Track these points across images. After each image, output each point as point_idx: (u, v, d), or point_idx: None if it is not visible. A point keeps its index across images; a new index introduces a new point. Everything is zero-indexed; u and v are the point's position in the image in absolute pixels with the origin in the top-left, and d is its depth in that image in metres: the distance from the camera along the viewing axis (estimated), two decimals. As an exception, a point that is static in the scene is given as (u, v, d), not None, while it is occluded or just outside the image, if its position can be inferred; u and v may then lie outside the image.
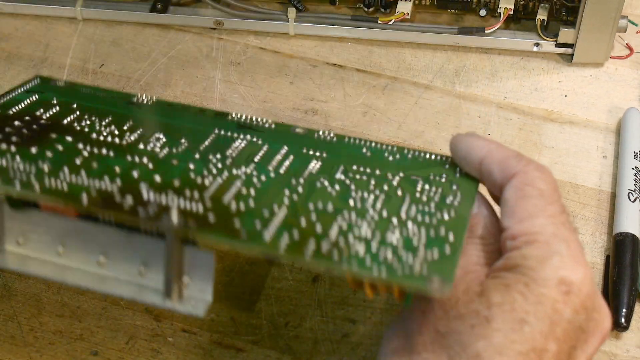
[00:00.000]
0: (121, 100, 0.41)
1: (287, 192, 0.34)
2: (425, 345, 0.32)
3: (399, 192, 0.35)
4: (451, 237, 0.32)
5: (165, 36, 0.58)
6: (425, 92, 0.54)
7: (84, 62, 0.56)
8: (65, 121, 0.38)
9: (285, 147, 0.37)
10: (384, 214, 0.33)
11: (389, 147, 0.38)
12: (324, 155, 0.37)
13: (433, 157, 0.38)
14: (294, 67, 0.56)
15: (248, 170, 0.35)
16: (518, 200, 0.34)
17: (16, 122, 0.37)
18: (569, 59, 0.54)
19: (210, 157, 0.36)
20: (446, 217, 0.33)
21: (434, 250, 0.31)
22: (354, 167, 0.36)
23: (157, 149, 0.36)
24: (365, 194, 0.34)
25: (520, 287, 0.31)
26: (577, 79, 0.53)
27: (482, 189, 0.36)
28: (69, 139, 0.36)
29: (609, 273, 0.43)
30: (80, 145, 0.36)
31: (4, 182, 0.33)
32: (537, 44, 0.54)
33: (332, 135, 0.38)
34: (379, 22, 0.55)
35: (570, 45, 0.53)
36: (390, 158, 0.37)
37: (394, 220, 0.33)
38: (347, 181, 0.35)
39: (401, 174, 0.36)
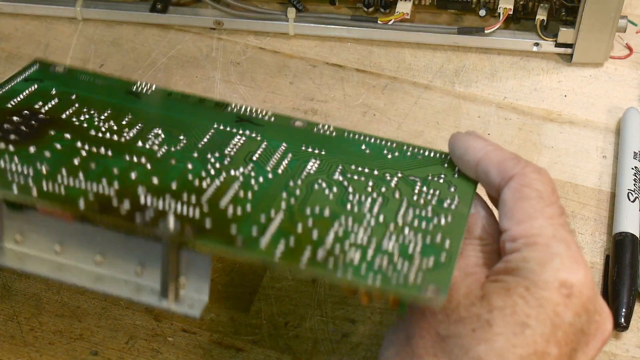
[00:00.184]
0: (121, 88, 0.41)
1: (284, 195, 0.34)
2: (426, 349, 0.32)
3: (397, 195, 0.34)
4: (447, 244, 0.32)
5: (165, 36, 0.58)
6: (425, 92, 0.54)
7: (84, 62, 0.56)
8: (64, 115, 0.38)
9: (284, 144, 0.37)
10: (381, 218, 0.33)
11: (388, 143, 0.38)
12: (323, 152, 0.37)
13: (432, 154, 0.37)
14: (294, 67, 0.56)
15: (246, 171, 0.35)
16: (516, 201, 0.34)
17: (15, 118, 0.37)
18: (568, 59, 0.54)
19: (209, 156, 0.36)
20: (443, 222, 0.33)
21: (429, 259, 0.31)
22: (352, 167, 0.36)
23: (156, 147, 0.36)
24: (363, 197, 0.34)
25: (521, 290, 0.31)
26: (577, 79, 0.53)
27: (480, 189, 0.36)
28: (67, 136, 0.36)
29: (609, 273, 0.43)
30: (79, 144, 0.36)
31: (2, 185, 0.33)
32: (536, 44, 0.54)
33: (331, 129, 0.38)
34: (379, 22, 0.55)
35: (570, 45, 0.53)
36: (389, 156, 0.37)
37: (391, 225, 0.33)
38: (345, 182, 0.35)
39: (399, 174, 0.36)
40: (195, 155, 0.36)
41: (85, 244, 0.33)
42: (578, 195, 0.48)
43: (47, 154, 0.35)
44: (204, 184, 0.34)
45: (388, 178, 0.35)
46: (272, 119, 0.39)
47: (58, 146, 0.35)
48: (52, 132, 0.36)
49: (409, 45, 0.56)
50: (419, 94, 0.53)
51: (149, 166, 0.35)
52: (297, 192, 0.34)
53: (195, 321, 0.44)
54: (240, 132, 0.38)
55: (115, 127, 0.37)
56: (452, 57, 0.55)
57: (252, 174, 0.35)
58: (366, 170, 0.36)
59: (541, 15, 0.53)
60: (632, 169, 0.47)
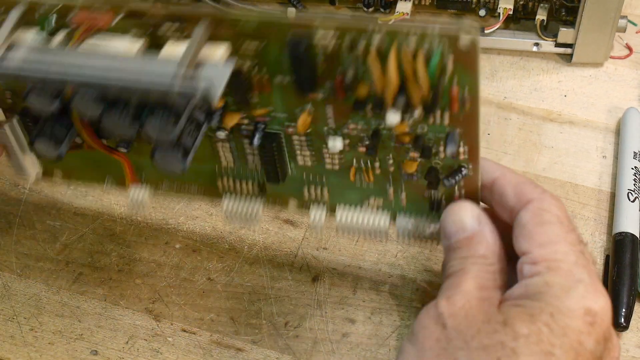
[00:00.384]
0: None
1: None
2: None
3: None
4: None
5: (165, 36, 0.58)
6: (424, 92, 0.54)
7: (83, 62, 0.56)
8: None
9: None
10: None
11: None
12: None
13: None
14: (294, 67, 0.56)
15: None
16: (537, 225, 0.33)
17: None
18: (568, 59, 0.54)
19: None
20: None
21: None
22: None
23: None
24: None
25: (545, 317, 0.31)
26: (577, 79, 0.53)
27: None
28: None
29: (609, 273, 0.43)
30: None
31: None
32: (536, 44, 0.54)
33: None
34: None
35: (570, 45, 0.53)
36: None
37: None
38: None
39: None
40: None
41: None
42: (578, 195, 0.48)
43: None
44: None
45: None
46: None
47: None
48: None
49: (409, 45, 0.56)
50: (419, 94, 0.53)
51: None
52: None
53: (195, 321, 0.44)
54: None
55: None
56: (452, 57, 0.55)
57: None
58: None
59: (541, 15, 0.53)
60: (632, 169, 0.47)
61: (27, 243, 0.47)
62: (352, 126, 0.38)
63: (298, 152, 0.40)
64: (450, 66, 0.33)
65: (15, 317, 0.44)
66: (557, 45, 0.54)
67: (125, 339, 0.43)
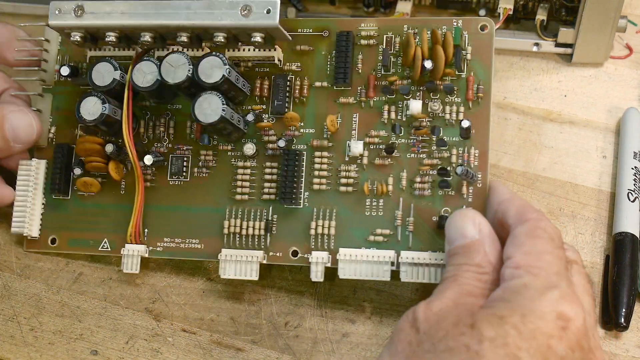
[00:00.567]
0: None
1: None
2: None
3: None
4: None
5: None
6: (425, 92, 0.54)
7: (83, 62, 0.56)
8: None
9: None
10: None
11: None
12: None
13: None
14: (294, 67, 0.56)
15: None
16: (528, 237, 0.34)
17: None
18: (568, 59, 0.54)
19: None
20: None
21: None
22: None
23: None
24: None
25: (515, 319, 0.31)
26: (577, 79, 0.53)
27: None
28: None
29: (609, 273, 0.43)
30: None
31: None
32: (536, 44, 0.54)
33: None
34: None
35: (570, 45, 0.53)
36: None
37: None
38: None
39: None
40: None
41: None
42: (578, 195, 0.48)
43: None
44: None
45: None
46: None
47: None
48: None
49: (409, 45, 0.56)
50: (419, 94, 0.53)
51: None
52: None
53: (196, 321, 0.44)
54: None
55: None
56: (452, 57, 0.55)
57: None
58: None
59: (541, 15, 0.53)
60: (632, 169, 0.47)
61: (27, 243, 0.47)
62: (373, 133, 0.43)
63: (317, 172, 0.43)
64: (468, 47, 0.44)
65: (15, 317, 0.44)
66: (557, 45, 0.54)
67: (125, 339, 0.43)
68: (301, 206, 0.44)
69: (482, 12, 0.54)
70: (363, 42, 0.45)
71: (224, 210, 0.44)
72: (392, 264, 0.41)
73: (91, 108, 0.43)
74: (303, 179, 0.44)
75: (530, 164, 0.49)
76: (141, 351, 0.43)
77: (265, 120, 0.45)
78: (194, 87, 0.43)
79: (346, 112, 0.44)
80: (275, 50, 0.45)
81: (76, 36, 0.45)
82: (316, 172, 0.44)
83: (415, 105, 0.42)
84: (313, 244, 0.43)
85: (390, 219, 0.42)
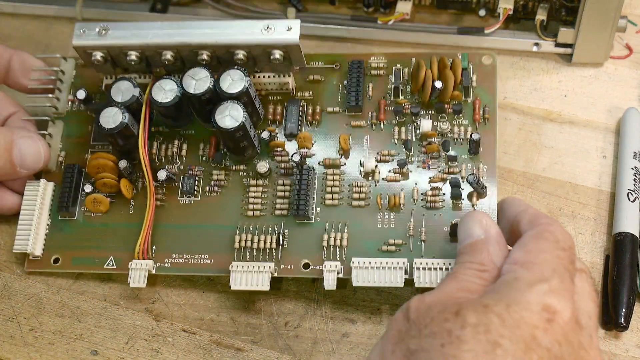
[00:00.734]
0: None
1: None
2: None
3: None
4: None
5: (165, 36, 0.58)
6: (424, 92, 0.54)
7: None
8: None
9: None
10: None
11: None
12: None
13: None
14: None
15: None
16: (533, 238, 0.35)
17: None
18: (568, 59, 0.54)
19: None
20: None
21: None
22: None
23: None
24: None
25: (499, 308, 0.31)
26: (577, 79, 0.53)
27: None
28: None
29: (609, 273, 0.43)
30: None
31: None
32: (536, 44, 0.54)
33: None
34: (379, 22, 0.55)
35: (570, 45, 0.53)
36: None
37: None
38: None
39: None
40: None
41: None
42: (578, 195, 0.48)
43: None
44: None
45: None
46: None
47: None
48: None
49: (409, 45, 0.56)
50: (419, 94, 0.53)
51: None
52: None
53: (195, 321, 0.44)
54: None
55: None
56: (452, 57, 0.55)
57: None
58: None
59: (541, 15, 0.53)
60: (632, 169, 0.47)
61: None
62: (385, 152, 0.45)
63: (329, 188, 0.45)
64: (474, 76, 0.47)
65: (15, 317, 0.44)
66: (557, 45, 0.54)
67: (125, 339, 0.43)
68: (313, 221, 0.44)
69: (482, 12, 0.55)
70: (373, 72, 0.48)
71: (235, 226, 0.44)
72: (406, 271, 0.42)
73: (111, 117, 0.44)
74: (315, 194, 0.45)
75: (530, 164, 0.49)
76: (141, 351, 0.43)
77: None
78: (213, 101, 0.44)
79: (357, 135, 0.46)
80: (290, 76, 0.47)
81: (97, 55, 0.46)
82: (328, 189, 0.45)
83: (425, 124, 0.45)
84: (325, 255, 0.43)
85: (403, 230, 0.43)
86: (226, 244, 0.44)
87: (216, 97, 0.44)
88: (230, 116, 0.43)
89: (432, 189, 0.44)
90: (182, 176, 0.46)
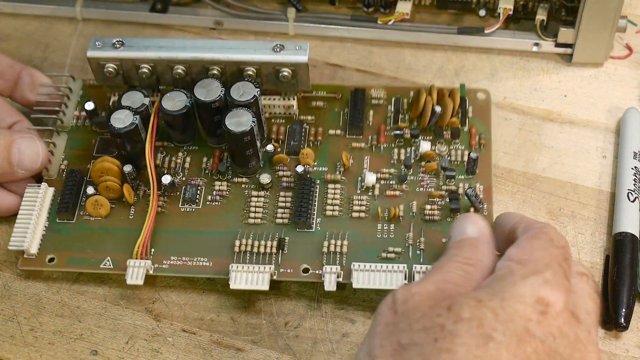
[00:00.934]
0: None
1: None
2: (385, 358, 0.31)
3: None
4: None
5: (165, 36, 0.58)
6: (424, 92, 0.54)
7: (83, 62, 0.56)
8: None
9: None
10: None
11: None
12: None
13: None
14: (294, 67, 0.56)
15: None
16: (527, 239, 0.35)
17: None
18: (568, 59, 0.54)
19: None
20: None
21: None
22: None
23: None
24: None
25: (494, 303, 0.31)
26: (577, 79, 0.53)
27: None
28: None
29: (609, 273, 0.43)
30: None
31: None
32: (536, 44, 0.54)
33: None
34: (379, 22, 0.55)
35: (570, 45, 0.53)
36: None
37: None
38: None
39: None
40: None
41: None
42: (578, 195, 0.48)
43: None
44: None
45: None
46: None
47: None
48: None
49: (409, 45, 0.56)
50: (419, 94, 0.53)
51: None
52: None
53: (195, 321, 0.44)
54: None
55: None
56: (452, 57, 0.55)
57: None
58: None
59: (541, 15, 0.53)
60: (632, 169, 0.47)
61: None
62: (385, 170, 0.47)
63: (330, 200, 0.46)
64: (469, 108, 0.49)
65: (15, 317, 0.44)
66: (557, 45, 0.54)
67: (125, 339, 0.43)
68: (313, 230, 0.45)
69: (482, 12, 0.55)
70: (374, 102, 0.50)
71: (236, 232, 0.45)
72: (406, 276, 0.42)
73: (122, 118, 0.45)
74: (316, 205, 0.46)
75: (530, 164, 0.49)
76: (141, 351, 0.43)
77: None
78: (222, 112, 0.45)
79: (358, 155, 0.48)
80: (294, 99, 0.49)
81: (110, 67, 0.47)
82: (329, 201, 0.46)
83: (425, 145, 0.47)
84: (325, 260, 0.44)
85: (402, 240, 0.44)
86: (226, 248, 0.44)
87: (225, 107, 0.45)
88: (239, 121, 0.44)
89: (431, 203, 0.45)
90: (183, 187, 0.47)
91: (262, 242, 0.44)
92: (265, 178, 0.46)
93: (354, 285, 0.42)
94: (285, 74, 0.47)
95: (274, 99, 0.49)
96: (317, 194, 0.46)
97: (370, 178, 0.46)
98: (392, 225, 0.45)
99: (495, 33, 0.54)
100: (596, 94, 0.52)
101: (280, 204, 0.46)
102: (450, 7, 0.56)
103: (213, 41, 0.48)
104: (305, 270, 0.43)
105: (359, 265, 0.42)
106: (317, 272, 0.43)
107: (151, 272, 0.44)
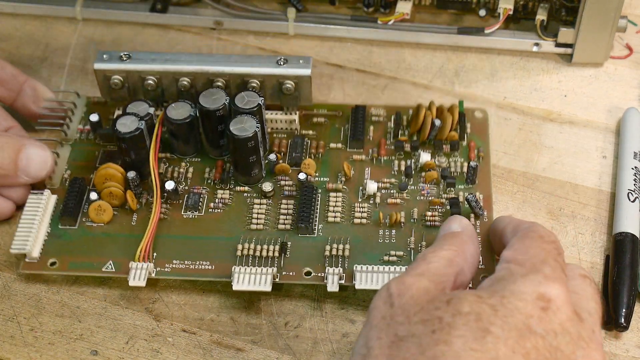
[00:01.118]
0: None
1: None
2: (382, 349, 0.31)
3: None
4: None
5: (165, 36, 0.58)
6: (424, 92, 0.54)
7: (83, 62, 0.56)
8: None
9: None
10: None
11: None
12: None
13: None
14: (294, 67, 0.56)
15: None
16: (518, 239, 0.36)
17: None
18: (568, 59, 0.54)
19: None
20: None
21: None
22: None
23: None
24: None
25: (494, 300, 0.31)
26: (577, 79, 0.53)
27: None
28: None
29: (609, 273, 0.43)
30: None
31: None
32: (536, 44, 0.54)
33: None
34: (379, 22, 0.55)
35: (570, 45, 0.53)
36: None
37: None
38: None
39: None
40: None
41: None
42: (578, 195, 0.48)
43: None
44: None
45: None
46: None
47: None
48: None
49: (409, 45, 0.56)
50: (419, 94, 0.53)
51: None
52: None
53: (195, 321, 0.44)
54: None
55: None
56: (452, 57, 0.55)
57: None
58: None
59: (541, 15, 0.53)
60: (632, 169, 0.47)
61: (27, 243, 0.47)
62: (385, 180, 0.47)
63: (332, 207, 0.46)
64: (468, 124, 0.49)
65: (15, 317, 0.44)
66: (557, 45, 0.54)
67: (125, 339, 0.43)
68: (315, 235, 0.45)
69: (482, 12, 0.55)
70: (374, 118, 0.50)
71: (238, 237, 0.45)
72: None
73: (128, 123, 0.45)
74: (318, 212, 0.46)
75: (530, 164, 0.49)
76: (141, 351, 0.43)
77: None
78: (226, 121, 0.46)
79: (359, 167, 0.48)
80: (296, 114, 0.49)
81: (116, 79, 0.48)
82: (331, 207, 0.46)
83: (425, 156, 0.47)
84: (327, 262, 0.44)
85: (404, 244, 0.44)
86: (228, 252, 0.44)
87: (229, 117, 0.46)
88: (243, 127, 0.45)
89: (432, 210, 0.45)
90: (186, 194, 0.47)
91: (265, 247, 0.44)
92: (267, 186, 0.46)
93: (357, 286, 0.42)
94: (289, 86, 0.47)
95: (277, 114, 0.49)
96: (319, 201, 0.46)
97: (372, 186, 0.46)
98: (393, 231, 0.45)
99: (495, 33, 0.54)
100: (596, 94, 0.52)
101: (283, 211, 0.46)
102: (450, 7, 0.56)
103: (218, 55, 0.49)
104: (308, 273, 0.43)
105: (362, 267, 0.42)
106: (319, 274, 0.43)
107: (153, 274, 0.44)
